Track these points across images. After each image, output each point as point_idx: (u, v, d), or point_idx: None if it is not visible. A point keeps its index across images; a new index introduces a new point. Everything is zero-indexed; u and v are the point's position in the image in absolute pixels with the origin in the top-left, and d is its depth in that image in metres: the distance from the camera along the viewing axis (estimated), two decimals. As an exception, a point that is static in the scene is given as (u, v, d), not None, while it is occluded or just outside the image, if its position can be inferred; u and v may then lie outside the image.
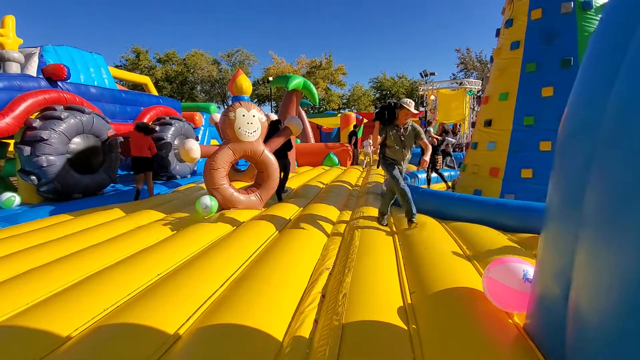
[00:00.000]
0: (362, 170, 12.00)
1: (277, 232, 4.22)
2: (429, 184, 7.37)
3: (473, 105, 14.28)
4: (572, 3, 5.08)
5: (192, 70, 40.92)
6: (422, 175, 7.74)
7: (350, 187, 7.85)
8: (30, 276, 2.74)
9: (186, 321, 2.17)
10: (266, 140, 5.75)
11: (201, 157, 5.17)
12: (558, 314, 1.55)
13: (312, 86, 10.39)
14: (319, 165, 12.82)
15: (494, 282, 2.14)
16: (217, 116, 9.30)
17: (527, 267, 2.12)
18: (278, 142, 5.93)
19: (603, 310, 1.26)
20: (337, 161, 12.96)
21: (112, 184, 7.36)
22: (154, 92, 10.87)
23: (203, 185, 8.07)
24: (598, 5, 5.06)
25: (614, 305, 1.15)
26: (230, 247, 3.47)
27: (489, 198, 4.53)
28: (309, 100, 12.09)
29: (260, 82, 40.78)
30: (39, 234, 4.01)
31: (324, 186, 7.93)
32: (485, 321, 2.03)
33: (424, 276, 2.65)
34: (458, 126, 15.04)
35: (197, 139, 10.17)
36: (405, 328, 2.05)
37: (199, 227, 4.26)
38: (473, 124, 7.49)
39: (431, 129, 8.60)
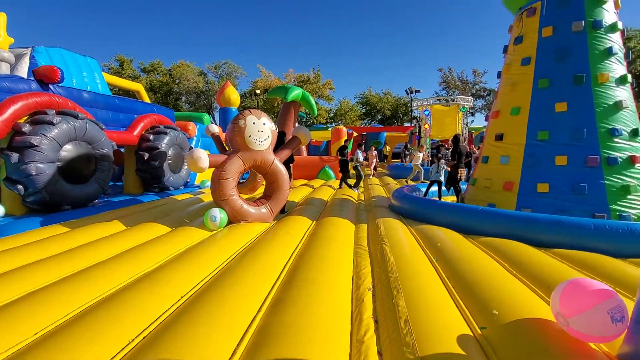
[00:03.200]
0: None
1: (298, 247, 3.94)
2: (439, 196, 7.25)
3: (465, 121, 14.54)
4: (583, 22, 5.18)
5: (177, 81, 40.36)
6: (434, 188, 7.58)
7: (355, 201, 7.64)
8: (45, 294, 2.37)
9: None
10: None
11: (209, 167, 4.86)
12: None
13: (310, 98, 10.28)
14: (314, 179, 12.59)
15: (578, 333, 1.84)
16: (214, 127, 8.99)
17: (610, 304, 1.77)
18: (287, 152, 5.70)
19: None
20: (332, 175, 12.78)
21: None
22: (147, 99, 10.44)
23: (202, 196, 7.69)
24: (607, 24, 5.18)
25: None
26: (252, 265, 3.15)
27: (518, 212, 4.42)
28: (304, 112, 11.99)
29: (248, 95, 40.56)
30: (32, 248, 3.56)
31: (328, 200, 7.69)
32: (575, 356, 1.81)
33: (482, 300, 2.43)
34: (450, 142, 15.23)
35: (191, 149, 9.76)
36: (488, 360, 1.82)
37: (211, 242, 3.93)
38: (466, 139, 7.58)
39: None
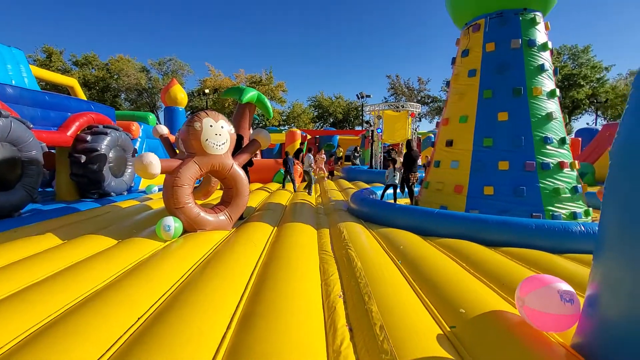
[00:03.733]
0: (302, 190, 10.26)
1: (262, 256, 3.80)
2: (395, 199, 7.52)
3: (414, 126, 15.32)
4: (520, 40, 5.73)
5: (115, 76, 37.32)
6: (389, 191, 7.83)
7: (313, 205, 7.63)
8: None
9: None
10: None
11: (161, 173, 4.52)
12: (634, 333, 1.54)
13: (266, 100, 10.04)
14: (269, 182, 12.37)
15: (532, 311, 2.07)
16: (163, 128, 8.42)
17: (560, 287, 2.07)
18: (246, 156, 5.51)
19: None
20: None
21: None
22: (82, 96, 9.46)
23: (149, 203, 7.15)
24: (540, 44, 5.78)
25: None
26: (215, 278, 2.97)
27: (471, 214, 4.71)
28: (257, 115, 11.70)
29: (196, 94, 38.78)
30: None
31: (286, 204, 7.60)
32: (535, 346, 1.97)
33: (448, 300, 2.55)
34: (400, 145, 15.93)
35: (135, 151, 9.05)
36: (461, 361, 1.89)
37: (166, 254, 3.64)
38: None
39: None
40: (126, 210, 6.44)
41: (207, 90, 32.91)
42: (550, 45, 5.87)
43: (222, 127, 4.89)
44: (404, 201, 7.46)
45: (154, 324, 2.19)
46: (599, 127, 17.17)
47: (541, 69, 5.70)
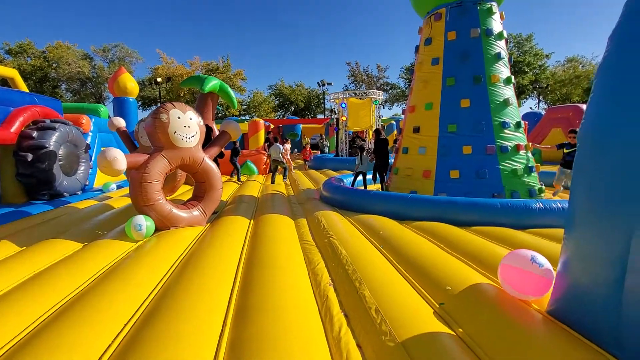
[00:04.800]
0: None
1: (244, 250, 3.74)
2: (365, 185, 7.68)
3: (378, 113, 15.63)
4: (479, 29, 6.01)
5: (54, 65, 33.98)
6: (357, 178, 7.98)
7: (285, 195, 7.60)
8: None
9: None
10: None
11: (127, 169, 4.25)
12: (607, 297, 1.74)
13: (229, 89, 9.70)
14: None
15: (506, 270, 2.36)
16: (119, 120, 7.89)
17: (533, 253, 2.36)
18: (217, 148, 5.33)
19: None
20: (255, 169, 12.44)
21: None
22: (24, 88, 8.53)
23: (109, 202, 6.71)
24: (496, 33, 6.11)
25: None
26: (199, 275, 2.89)
27: (442, 197, 4.95)
28: (218, 105, 11.21)
29: (147, 83, 36.48)
30: None
31: (258, 195, 7.49)
32: (516, 313, 2.15)
33: (433, 279, 2.70)
34: (365, 132, 16.24)
35: (88, 147, 8.39)
36: (453, 333, 2.03)
37: (141, 255, 3.46)
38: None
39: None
40: (84, 211, 5.99)
41: (159, 79, 31.09)
42: (505, 34, 6.23)
43: (190, 118, 4.67)
44: (373, 187, 7.66)
45: (144, 328, 2.09)
46: (543, 111, 18.64)
47: (498, 57, 6.04)
